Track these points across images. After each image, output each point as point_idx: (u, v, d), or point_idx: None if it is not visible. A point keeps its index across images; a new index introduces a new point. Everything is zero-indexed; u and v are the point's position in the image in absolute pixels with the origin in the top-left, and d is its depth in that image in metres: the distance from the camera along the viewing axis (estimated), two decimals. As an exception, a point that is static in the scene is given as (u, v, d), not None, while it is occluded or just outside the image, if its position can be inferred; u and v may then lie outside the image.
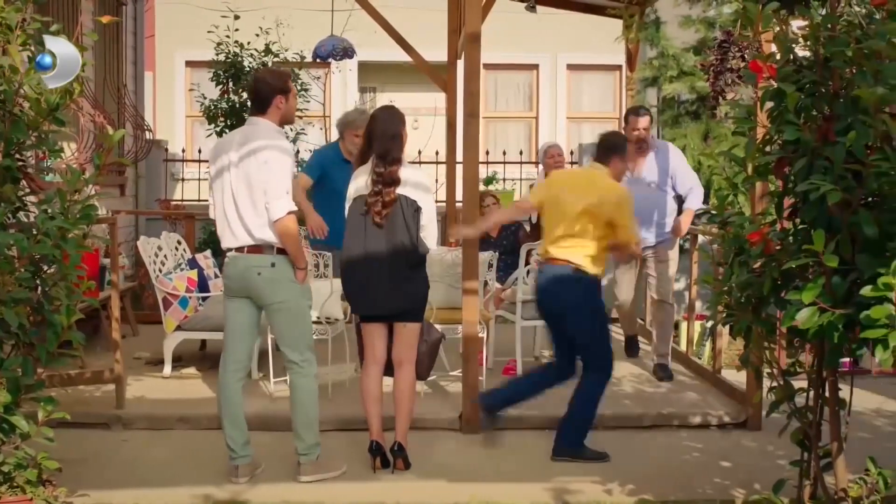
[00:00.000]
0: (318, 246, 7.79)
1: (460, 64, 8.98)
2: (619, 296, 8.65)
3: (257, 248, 5.69)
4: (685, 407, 7.27)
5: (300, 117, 12.25)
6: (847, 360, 4.69)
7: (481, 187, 10.83)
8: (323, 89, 14.60)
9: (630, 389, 7.82)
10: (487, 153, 14.66)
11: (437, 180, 12.70)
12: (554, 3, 10.78)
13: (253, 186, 5.63)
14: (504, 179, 14.41)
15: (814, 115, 4.41)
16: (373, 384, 6.09)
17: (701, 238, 8.57)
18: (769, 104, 4.51)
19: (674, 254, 8.25)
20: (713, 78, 6.27)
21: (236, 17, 12.07)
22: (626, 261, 8.23)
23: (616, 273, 8.81)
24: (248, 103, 11.51)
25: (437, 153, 12.56)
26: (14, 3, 4.92)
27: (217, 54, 12.16)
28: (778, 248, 4.51)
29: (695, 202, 8.04)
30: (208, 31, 12.11)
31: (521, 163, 14.76)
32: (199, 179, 13.69)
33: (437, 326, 6.47)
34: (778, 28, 4.52)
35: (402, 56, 9.83)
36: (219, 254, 10.60)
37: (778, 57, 4.50)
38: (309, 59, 12.27)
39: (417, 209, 5.84)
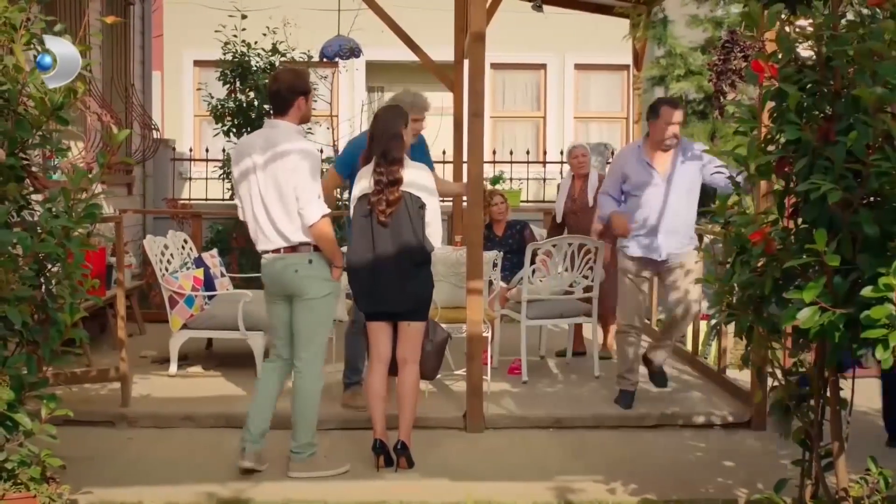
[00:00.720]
0: None
1: (467, 63, 8.99)
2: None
3: (293, 248, 5.79)
4: (689, 406, 7.27)
5: (307, 117, 12.29)
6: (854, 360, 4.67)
7: (488, 186, 10.86)
8: (330, 89, 14.60)
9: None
10: (494, 152, 14.67)
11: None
12: (561, 2, 10.77)
13: (284, 193, 5.71)
14: (511, 179, 14.41)
15: (815, 115, 4.40)
16: (377, 383, 6.10)
17: (707, 238, 8.54)
18: (771, 104, 4.51)
19: (699, 265, 7.44)
20: (716, 78, 6.27)
21: (243, 17, 12.10)
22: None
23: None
24: (255, 103, 11.65)
25: (444, 152, 12.56)
26: (18, 2, 4.93)
27: (224, 54, 12.19)
28: (779, 247, 4.50)
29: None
30: (216, 31, 12.14)
31: (528, 162, 14.77)
32: (207, 178, 13.74)
33: (442, 325, 6.47)
34: (778, 27, 4.52)
35: (409, 55, 9.83)
36: (225, 253, 10.71)
37: (780, 57, 4.49)
38: (316, 58, 12.28)
39: (422, 206, 5.87)
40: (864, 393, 5.31)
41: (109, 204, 10.29)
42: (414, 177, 5.92)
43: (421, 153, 6.69)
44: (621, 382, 7.32)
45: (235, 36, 12.16)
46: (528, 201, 14.68)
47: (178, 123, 17.10)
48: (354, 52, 11.99)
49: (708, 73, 9.47)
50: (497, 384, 7.74)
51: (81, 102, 7.49)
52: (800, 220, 4.58)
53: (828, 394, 4.68)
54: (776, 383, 4.91)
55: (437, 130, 13.69)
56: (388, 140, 5.95)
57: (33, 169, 5.27)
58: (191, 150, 15.25)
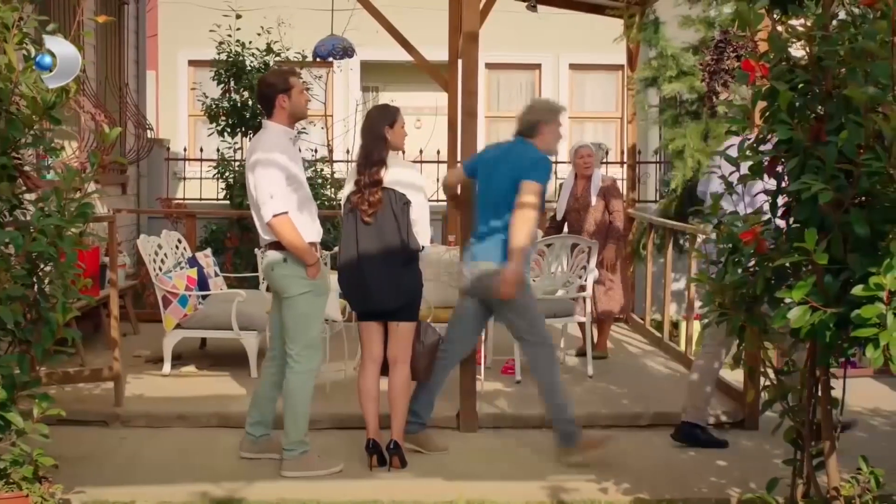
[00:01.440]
0: None
1: (461, 63, 8.99)
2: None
3: (272, 245, 5.87)
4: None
5: (302, 116, 12.27)
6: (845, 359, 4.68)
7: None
8: (325, 89, 14.60)
9: (628, 389, 7.83)
10: (490, 152, 14.65)
11: (437, 179, 12.71)
12: (555, 2, 10.78)
13: (251, 193, 5.88)
14: (505, 178, 14.40)
15: (806, 115, 4.41)
16: (369, 383, 6.11)
17: (699, 238, 8.56)
18: (762, 103, 4.52)
19: None
20: (708, 78, 6.26)
21: (238, 17, 12.09)
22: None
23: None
24: (249, 102, 11.65)
25: (438, 152, 12.56)
26: (10, 2, 4.93)
27: (219, 53, 12.19)
28: (771, 247, 4.51)
29: None
30: (210, 31, 12.14)
31: (522, 162, 14.73)
32: (201, 178, 13.72)
33: (435, 326, 6.46)
34: (771, 27, 4.53)
35: (403, 55, 9.82)
36: (219, 252, 10.70)
37: (771, 56, 4.50)
38: (310, 58, 12.28)
39: (406, 203, 5.89)
40: (855, 392, 5.31)
41: (103, 203, 10.29)
42: (398, 174, 5.96)
43: (540, 169, 6.32)
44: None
45: (230, 36, 12.15)
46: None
47: (172, 123, 17.09)
48: (348, 51, 12.00)
49: (700, 73, 9.48)
50: (490, 384, 7.75)
51: (75, 102, 7.49)
52: (791, 220, 4.59)
53: (819, 393, 4.69)
54: (766, 382, 4.92)
55: (432, 130, 13.74)
56: (371, 141, 6.04)
57: (26, 168, 5.27)
58: (185, 149, 15.24)
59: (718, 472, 6.09)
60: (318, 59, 12.35)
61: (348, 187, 6.10)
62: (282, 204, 5.74)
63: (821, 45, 4.33)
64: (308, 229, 5.89)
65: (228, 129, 11.93)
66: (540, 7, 10.55)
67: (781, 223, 4.63)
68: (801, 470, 4.83)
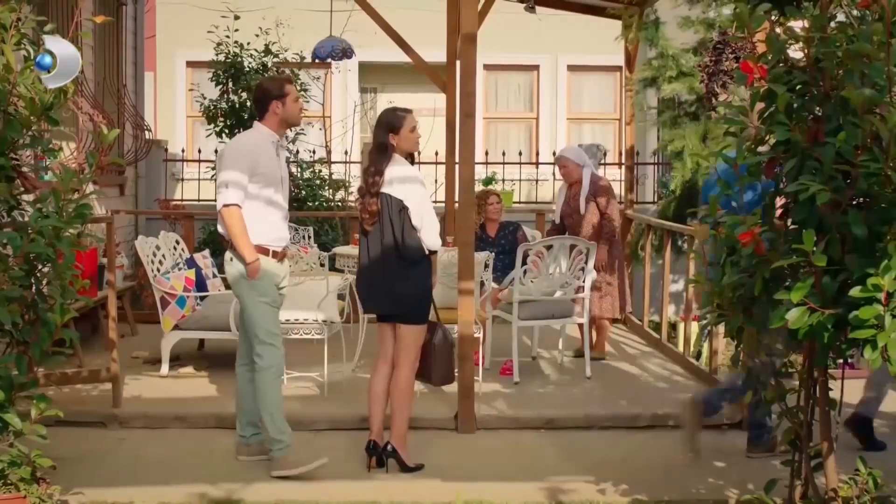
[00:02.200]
0: None
1: (459, 64, 8.99)
2: None
3: (228, 242, 5.95)
4: (681, 407, 7.26)
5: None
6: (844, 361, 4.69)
7: (481, 187, 10.87)
8: (323, 90, 14.61)
9: (626, 390, 7.83)
10: (487, 153, 14.68)
11: (436, 180, 12.72)
12: (553, 3, 10.78)
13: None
14: (503, 180, 14.42)
15: (804, 116, 4.42)
16: (377, 383, 6.12)
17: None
18: (760, 105, 4.52)
19: None
20: (707, 79, 6.27)
21: (236, 18, 12.10)
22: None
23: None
24: (248, 103, 11.66)
25: (436, 153, 12.57)
26: (8, 2, 4.93)
27: (217, 54, 12.19)
28: (769, 248, 4.51)
29: None
30: (208, 32, 12.13)
31: (520, 163, 14.77)
32: (199, 179, 13.72)
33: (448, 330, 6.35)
34: (769, 29, 4.53)
35: (401, 57, 9.85)
36: (217, 253, 10.68)
37: (770, 58, 4.51)
38: (308, 59, 12.28)
39: (403, 209, 5.87)
40: (852, 394, 5.31)
41: (101, 205, 10.28)
42: (394, 172, 5.92)
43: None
44: None
45: (228, 37, 12.15)
46: (520, 202, 14.68)
47: (170, 124, 17.09)
48: (346, 52, 12.00)
49: (699, 74, 9.49)
50: (489, 385, 7.75)
51: (73, 103, 7.49)
52: (789, 221, 4.60)
53: (817, 394, 4.69)
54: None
55: (430, 132, 13.72)
56: (374, 149, 6.05)
57: (24, 169, 5.27)
58: (183, 150, 15.24)
59: (716, 473, 6.09)
60: (316, 60, 12.35)
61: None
62: (234, 196, 5.79)
63: (818, 47, 4.33)
64: (264, 232, 5.91)
65: (227, 131, 11.92)
66: (538, 8, 10.55)
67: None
68: (800, 471, 4.84)
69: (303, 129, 12.73)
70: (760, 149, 4.66)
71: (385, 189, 5.88)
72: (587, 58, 17.45)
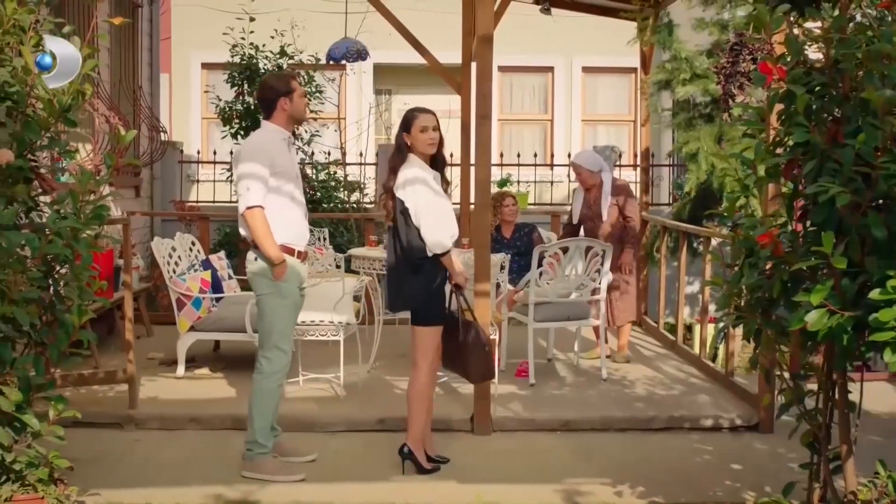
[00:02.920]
0: None
1: (475, 66, 8.98)
2: None
3: (253, 244, 5.92)
4: (697, 409, 7.26)
5: (314, 118, 12.29)
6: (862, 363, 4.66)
7: (496, 189, 10.85)
8: (338, 91, 14.62)
9: (642, 392, 7.81)
10: (502, 155, 14.68)
11: (450, 182, 12.70)
12: (568, 5, 10.77)
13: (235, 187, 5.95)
14: (518, 182, 14.41)
15: (823, 118, 4.39)
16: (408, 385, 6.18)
17: (714, 241, 8.54)
18: (779, 106, 4.50)
19: None
20: (724, 81, 6.23)
21: (251, 20, 12.12)
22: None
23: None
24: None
25: (451, 155, 12.55)
26: (27, 4, 4.94)
27: (232, 56, 12.21)
28: (788, 250, 4.50)
29: None
30: (223, 34, 12.16)
31: (535, 165, 14.75)
32: (215, 181, 13.75)
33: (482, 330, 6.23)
34: (788, 30, 4.51)
35: (416, 58, 9.84)
36: (233, 255, 10.71)
37: (788, 59, 4.49)
38: (324, 61, 12.30)
39: (405, 210, 5.87)
40: (870, 396, 5.28)
41: (117, 206, 10.30)
42: (401, 181, 5.90)
43: None
44: None
45: (243, 38, 12.17)
46: (535, 204, 14.67)
47: (185, 126, 17.13)
48: (361, 54, 12.01)
49: (715, 76, 9.46)
50: (504, 386, 7.73)
51: (89, 104, 7.51)
52: (808, 223, 4.58)
53: (836, 396, 4.67)
54: (783, 386, 4.91)
55: (445, 133, 13.69)
56: (393, 147, 6.07)
57: (41, 171, 5.28)
58: (198, 152, 15.27)
59: (733, 475, 6.07)
60: (331, 62, 12.36)
61: None
62: (256, 197, 5.77)
63: (838, 48, 4.31)
64: (287, 231, 5.91)
65: (242, 132, 11.95)
66: (553, 10, 10.53)
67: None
68: (818, 474, 4.82)
69: (318, 131, 12.75)
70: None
71: (395, 189, 5.90)
72: (601, 59, 17.43)
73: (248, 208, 5.77)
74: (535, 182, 14.88)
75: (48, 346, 5.02)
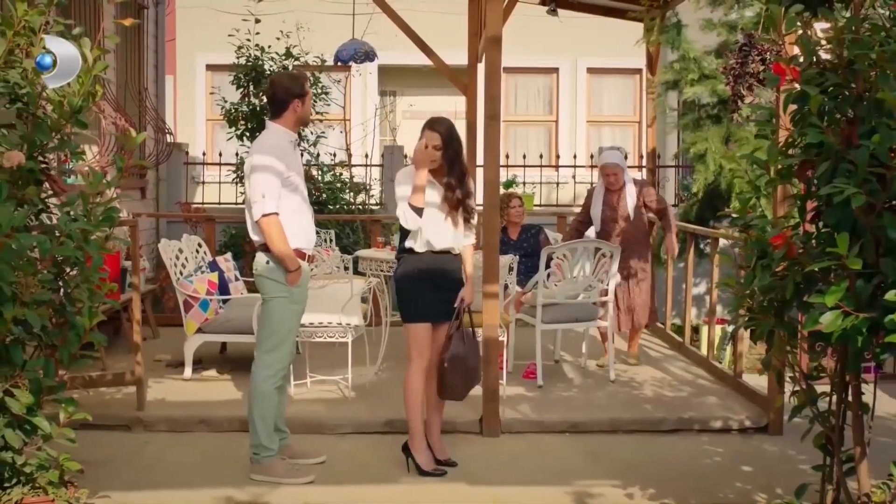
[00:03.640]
0: None
1: (481, 67, 8.97)
2: None
3: (262, 246, 5.87)
4: (706, 411, 7.24)
5: (320, 120, 12.29)
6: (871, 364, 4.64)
7: (502, 190, 10.83)
8: (343, 93, 14.61)
9: (650, 394, 7.79)
10: (507, 156, 14.66)
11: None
12: (575, 6, 10.76)
13: (247, 193, 5.91)
14: (524, 183, 14.40)
15: (837, 118, 4.38)
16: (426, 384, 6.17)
17: (722, 242, 8.52)
18: (792, 107, 4.48)
19: None
20: (733, 81, 6.19)
21: (257, 21, 12.11)
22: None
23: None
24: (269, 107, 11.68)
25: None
26: (37, 6, 4.93)
27: (238, 58, 12.20)
28: (801, 251, 4.48)
29: None
30: (229, 35, 12.16)
31: (540, 166, 14.75)
32: (220, 182, 13.75)
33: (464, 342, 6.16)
34: (801, 30, 4.49)
35: (422, 59, 9.82)
36: (239, 256, 10.70)
37: (801, 59, 4.47)
38: (330, 62, 12.29)
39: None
40: (882, 398, 5.27)
41: (123, 208, 10.29)
42: (398, 194, 5.99)
43: None
44: None
45: (249, 40, 12.17)
46: (540, 205, 14.67)
47: (190, 127, 17.13)
48: (369, 55, 11.99)
49: (723, 77, 9.46)
50: (512, 388, 7.71)
51: (96, 106, 7.50)
52: (821, 224, 4.56)
53: (849, 398, 4.66)
54: (796, 388, 4.89)
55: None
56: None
57: (51, 172, 5.27)
58: (203, 154, 15.28)
59: (744, 477, 6.05)
60: (339, 64, 12.35)
61: None
62: (272, 205, 5.74)
63: (851, 48, 4.30)
64: (298, 235, 5.89)
65: (248, 134, 11.94)
66: (560, 11, 10.52)
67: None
68: (831, 475, 4.80)
69: (323, 132, 12.74)
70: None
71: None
72: (606, 60, 17.43)
73: (264, 216, 5.72)
74: (540, 183, 14.87)
75: (59, 348, 5.02)
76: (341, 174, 13.09)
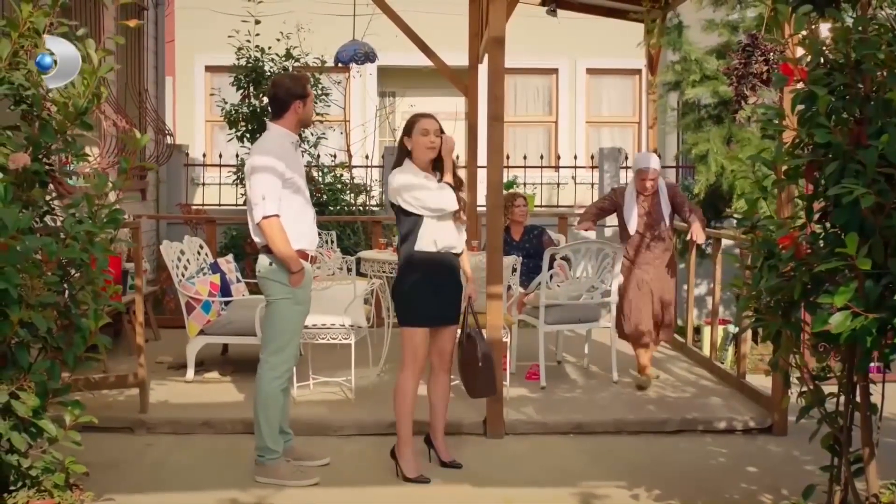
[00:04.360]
0: None
1: (482, 68, 8.96)
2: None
3: (264, 248, 5.87)
4: (710, 412, 7.24)
5: (321, 122, 12.27)
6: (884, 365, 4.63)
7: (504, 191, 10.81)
8: (343, 94, 14.59)
9: (654, 394, 7.79)
10: (507, 157, 14.64)
11: (463, 182, 12.70)
12: (575, 7, 10.75)
13: (248, 194, 5.89)
14: (525, 184, 14.39)
15: (845, 119, 4.37)
16: (434, 388, 6.22)
17: (725, 242, 8.50)
18: (800, 107, 4.47)
19: None
20: (736, 82, 6.17)
21: (257, 22, 12.09)
22: None
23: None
24: (269, 108, 11.67)
25: (457, 157, 12.53)
26: (42, 7, 4.92)
27: (238, 59, 12.18)
28: (808, 251, 4.47)
29: None
30: (229, 36, 12.14)
31: (541, 167, 14.73)
32: (220, 184, 13.73)
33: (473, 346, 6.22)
34: (807, 31, 4.49)
35: (422, 60, 9.81)
36: (240, 258, 10.69)
37: (808, 59, 4.46)
38: (330, 63, 12.27)
39: (397, 213, 5.97)
40: (890, 398, 5.26)
41: (124, 209, 10.27)
42: (394, 186, 5.95)
43: None
44: None
45: (249, 41, 12.15)
46: (541, 206, 14.66)
47: (189, 128, 17.12)
48: (370, 56, 11.97)
49: (726, 78, 9.46)
50: (515, 389, 7.71)
51: (97, 108, 7.49)
52: (828, 225, 4.55)
53: (857, 399, 4.65)
54: (803, 388, 4.88)
55: (451, 135, 13.69)
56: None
57: (56, 174, 5.26)
58: (204, 155, 15.27)
59: (749, 478, 6.04)
60: (339, 65, 12.33)
61: None
62: (272, 206, 5.72)
63: (859, 49, 4.29)
64: (300, 236, 5.87)
65: (248, 135, 11.92)
66: (559, 12, 10.51)
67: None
68: (839, 476, 4.79)
69: (324, 133, 12.73)
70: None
71: (389, 194, 6.01)
72: (606, 61, 17.43)
73: (265, 218, 5.71)
74: (541, 184, 14.85)
75: (64, 350, 5.00)
76: (341, 175, 13.07)
